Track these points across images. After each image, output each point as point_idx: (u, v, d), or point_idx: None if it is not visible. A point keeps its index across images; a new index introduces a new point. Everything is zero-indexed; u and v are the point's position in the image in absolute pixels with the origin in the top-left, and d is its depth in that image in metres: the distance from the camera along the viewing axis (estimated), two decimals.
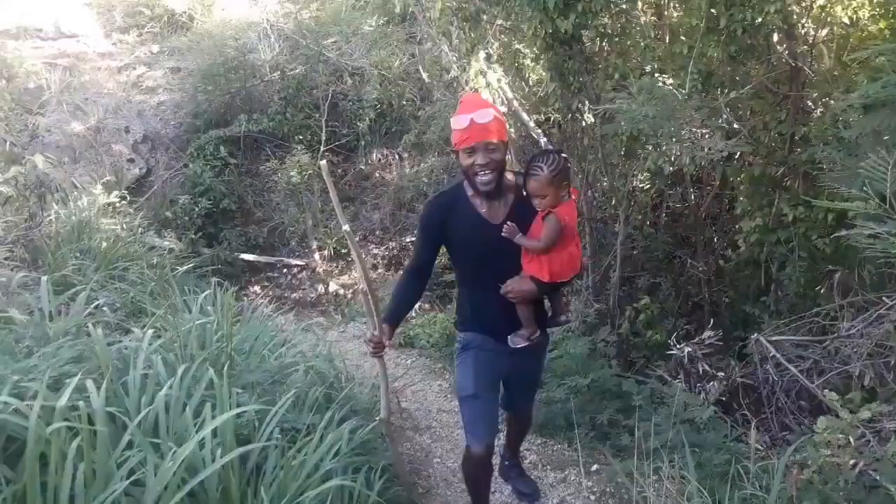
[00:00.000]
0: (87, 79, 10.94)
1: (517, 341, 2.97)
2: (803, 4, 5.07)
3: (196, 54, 11.52)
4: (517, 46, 6.95)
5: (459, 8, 6.39)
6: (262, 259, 10.62)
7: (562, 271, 2.80)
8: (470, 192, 2.86)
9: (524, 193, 2.75)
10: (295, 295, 10.52)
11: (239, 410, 2.69)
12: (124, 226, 7.18)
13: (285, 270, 10.86)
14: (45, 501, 2.18)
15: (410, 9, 8.47)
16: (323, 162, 2.81)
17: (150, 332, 3.18)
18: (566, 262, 2.80)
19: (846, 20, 5.10)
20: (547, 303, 3.14)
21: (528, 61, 6.92)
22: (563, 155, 2.71)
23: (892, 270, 3.96)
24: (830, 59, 5.33)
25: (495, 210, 2.85)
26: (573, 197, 2.80)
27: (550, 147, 5.72)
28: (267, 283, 10.45)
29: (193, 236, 9.74)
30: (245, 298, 8.41)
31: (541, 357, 3.32)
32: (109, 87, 11.03)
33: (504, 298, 2.85)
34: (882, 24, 5.01)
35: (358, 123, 11.12)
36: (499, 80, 6.32)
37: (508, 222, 2.78)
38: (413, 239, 9.73)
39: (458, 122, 2.70)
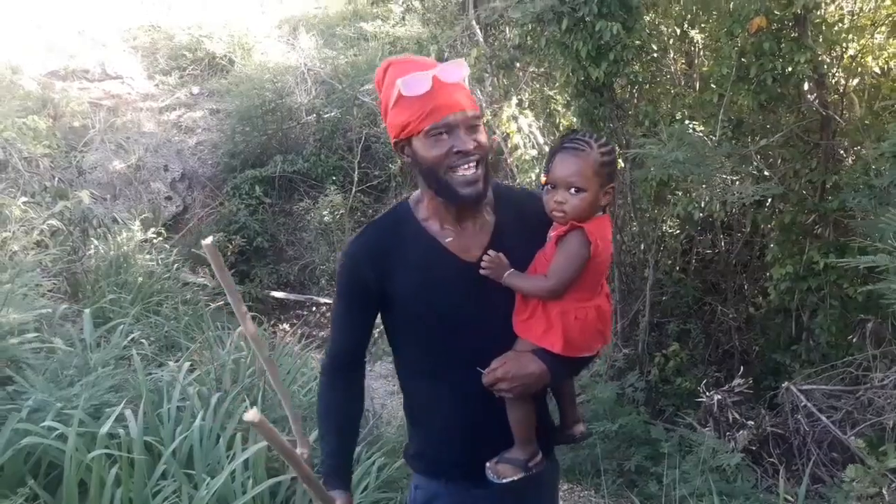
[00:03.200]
0: (129, 118, 11.33)
1: (503, 471, 1.62)
2: (834, 54, 5.12)
3: (235, 96, 11.86)
4: (549, 93, 7.08)
5: (494, 56, 6.57)
6: (292, 297, 10.73)
7: (584, 338, 1.59)
8: (422, 214, 1.67)
9: (543, 181, 1.60)
10: (323, 333, 10.57)
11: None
12: (160, 261, 7.34)
13: (314, 308, 10.96)
14: None
15: (446, 55, 8.67)
16: (208, 240, 1.49)
17: (187, 364, 3.26)
18: (591, 323, 1.58)
19: (877, 70, 5.14)
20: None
21: (559, 107, 7.04)
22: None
23: None
24: (861, 108, 5.35)
25: (467, 238, 1.64)
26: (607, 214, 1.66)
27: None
28: (296, 321, 10.54)
29: None
30: (275, 335, 8.50)
31: None
32: (150, 127, 11.40)
33: (486, 395, 1.59)
34: None
35: (389, 165, 11.31)
36: (530, 126, 6.44)
37: (490, 252, 1.60)
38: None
39: (411, 84, 1.51)
